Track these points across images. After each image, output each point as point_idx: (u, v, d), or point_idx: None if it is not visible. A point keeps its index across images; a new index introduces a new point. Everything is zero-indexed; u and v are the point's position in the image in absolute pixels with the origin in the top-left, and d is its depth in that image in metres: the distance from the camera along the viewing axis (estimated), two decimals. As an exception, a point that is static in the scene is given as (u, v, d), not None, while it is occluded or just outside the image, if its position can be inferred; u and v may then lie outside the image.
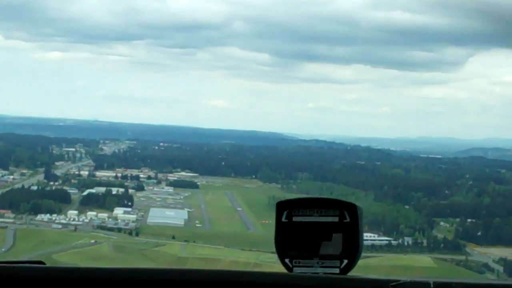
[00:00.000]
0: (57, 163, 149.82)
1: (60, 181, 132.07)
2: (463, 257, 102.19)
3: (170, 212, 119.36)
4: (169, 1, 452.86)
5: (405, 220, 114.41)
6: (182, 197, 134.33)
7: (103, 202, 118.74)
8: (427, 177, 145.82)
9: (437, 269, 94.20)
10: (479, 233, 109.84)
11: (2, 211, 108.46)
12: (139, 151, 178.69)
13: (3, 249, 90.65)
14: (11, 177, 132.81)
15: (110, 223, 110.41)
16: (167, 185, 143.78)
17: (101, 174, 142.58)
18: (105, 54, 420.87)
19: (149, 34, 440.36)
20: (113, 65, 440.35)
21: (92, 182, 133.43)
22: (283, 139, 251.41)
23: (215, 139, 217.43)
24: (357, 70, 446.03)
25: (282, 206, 3.64)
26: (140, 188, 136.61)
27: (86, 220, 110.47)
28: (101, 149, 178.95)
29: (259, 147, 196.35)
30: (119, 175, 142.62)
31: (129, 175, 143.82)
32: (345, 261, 3.56)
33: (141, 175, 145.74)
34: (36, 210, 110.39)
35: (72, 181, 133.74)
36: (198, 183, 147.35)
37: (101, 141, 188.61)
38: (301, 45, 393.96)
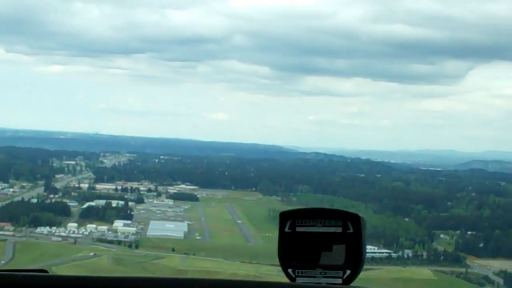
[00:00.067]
0: (57, 176, 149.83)
1: (60, 194, 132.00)
2: (463, 270, 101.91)
3: (170, 225, 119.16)
4: (169, 15, 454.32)
5: (405, 232, 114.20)
6: (182, 209, 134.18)
7: (103, 215, 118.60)
8: (427, 189, 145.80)
9: (437, 281, 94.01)
10: (479, 245, 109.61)
11: (2, 224, 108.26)
12: (139, 164, 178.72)
13: (2, 262, 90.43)
14: (11, 190, 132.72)
15: (110, 236, 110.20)
16: (167, 197, 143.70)
17: (101, 186, 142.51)
18: (105, 68, 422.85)
19: (150, 48, 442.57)
20: (113, 79, 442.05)
21: (92, 195, 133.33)
22: (283, 152, 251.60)
23: (215, 152, 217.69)
24: (357, 83, 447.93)
25: (286, 216, 3.65)
26: (140, 200, 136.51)
27: (86, 233, 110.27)
28: (101, 162, 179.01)
29: (259, 160, 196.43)
30: (119, 187, 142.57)
31: (129, 187, 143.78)
32: (348, 272, 3.56)
33: (141, 188, 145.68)
34: (36, 223, 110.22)
35: (72, 194, 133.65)
36: (198, 196, 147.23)
37: (101, 154, 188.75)
38: (301, 58, 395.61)
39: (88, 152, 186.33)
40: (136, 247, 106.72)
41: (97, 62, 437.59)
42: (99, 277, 3.28)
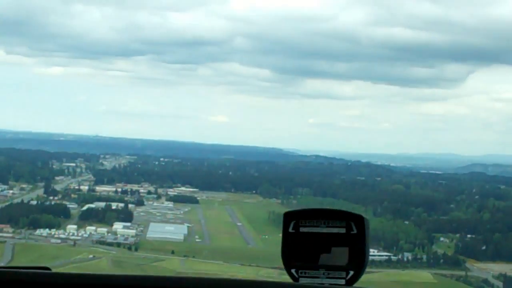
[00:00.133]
0: (57, 178, 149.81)
1: (60, 196, 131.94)
2: (463, 273, 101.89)
3: (169, 227, 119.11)
4: (170, 17, 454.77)
5: (405, 235, 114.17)
6: (182, 212, 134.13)
7: (103, 217, 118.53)
8: (427, 192, 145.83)
9: (436, 284, 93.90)
10: (479, 249, 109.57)
11: (1, 225, 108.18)
12: (139, 166, 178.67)
13: (1, 264, 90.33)
14: (11, 191, 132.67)
15: (110, 238, 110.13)
16: (167, 200, 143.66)
17: (101, 189, 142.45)
18: (106, 70, 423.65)
19: (150, 50, 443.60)
20: (114, 81, 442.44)
21: (92, 197, 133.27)
22: (284, 155, 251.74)
23: (215, 155, 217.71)
24: (357, 86, 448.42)
25: (290, 217, 3.63)
26: (140, 203, 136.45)
27: (86, 235, 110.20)
28: (102, 164, 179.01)
29: (259, 162, 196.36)
30: (119, 190, 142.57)
31: (129, 190, 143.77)
32: (351, 273, 3.56)
33: (141, 190, 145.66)
34: (35, 224, 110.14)
35: (72, 196, 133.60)
36: (198, 198, 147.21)
37: (102, 156, 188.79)
38: (302, 61, 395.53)
39: (88, 154, 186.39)
40: (136, 249, 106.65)
41: (97, 64, 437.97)
42: (101, 275, 3.28)
